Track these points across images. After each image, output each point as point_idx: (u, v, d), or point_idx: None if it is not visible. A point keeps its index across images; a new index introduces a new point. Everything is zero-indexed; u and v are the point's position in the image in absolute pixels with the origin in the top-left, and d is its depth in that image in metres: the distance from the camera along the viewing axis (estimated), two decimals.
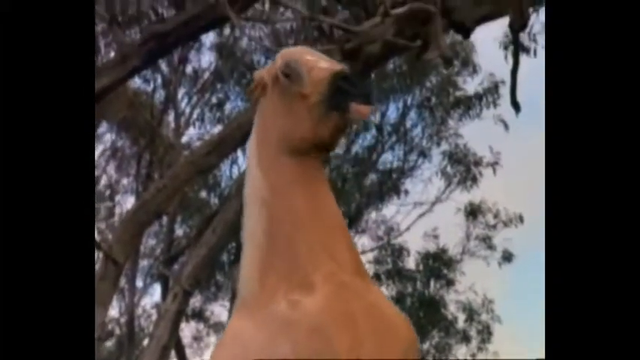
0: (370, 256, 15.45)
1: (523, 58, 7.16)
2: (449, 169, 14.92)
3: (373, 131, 14.91)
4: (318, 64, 2.51)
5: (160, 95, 14.38)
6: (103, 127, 14.98)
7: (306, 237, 2.41)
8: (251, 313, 2.42)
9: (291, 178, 2.48)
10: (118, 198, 16.50)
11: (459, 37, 8.92)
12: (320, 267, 2.39)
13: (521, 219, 15.20)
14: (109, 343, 16.46)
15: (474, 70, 14.06)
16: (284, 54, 2.58)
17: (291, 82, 2.48)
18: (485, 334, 15.67)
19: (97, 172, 15.68)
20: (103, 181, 16.22)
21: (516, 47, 6.88)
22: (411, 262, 15.54)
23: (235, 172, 14.55)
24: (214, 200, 14.88)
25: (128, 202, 15.73)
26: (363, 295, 2.42)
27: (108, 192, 16.31)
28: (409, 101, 14.72)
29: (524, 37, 7.33)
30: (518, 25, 6.03)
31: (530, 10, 5.76)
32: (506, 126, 13.07)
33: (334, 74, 2.45)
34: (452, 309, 15.58)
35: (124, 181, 16.26)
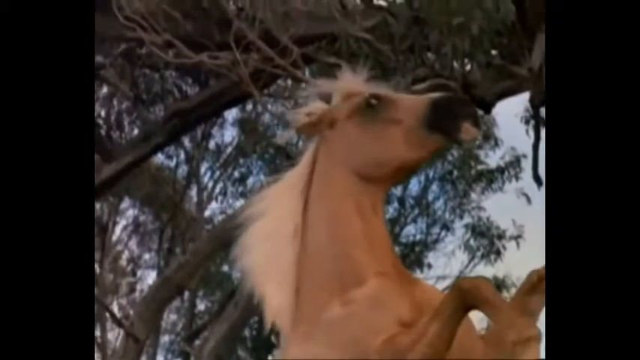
0: None
1: (544, 133, 7.16)
2: (472, 242, 14.80)
3: (395, 204, 14.89)
4: (404, 95, 2.78)
5: (182, 170, 14.48)
6: (125, 203, 15.08)
7: (361, 252, 2.61)
8: (303, 337, 2.57)
9: (358, 206, 2.65)
10: (139, 273, 16.50)
11: (480, 112, 8.95)
12: (372, 268, 2.60)
13: None
14: None
15: (496, 144, 14.05)
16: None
17: (380, 109, 2.64)
18: None
19: (119, 247, 15.74)
20: (125, 256, 16.26)
21: (537, 122, 6.89)
22: None
23: None
24: (236, 274, 14.82)
25: (150, 278, 15.72)
26: (410, 282, 2.70)
27: (130, 267, 16.32)
28: (431, 174, 14.71)
29: (544, 111, 7.32)
30: (539, 101, 6.04)
31: None
32: (528, 199, 12.98)
33: (435, 99, 2.62)
34: None
35: (146, 256, 16.28)
